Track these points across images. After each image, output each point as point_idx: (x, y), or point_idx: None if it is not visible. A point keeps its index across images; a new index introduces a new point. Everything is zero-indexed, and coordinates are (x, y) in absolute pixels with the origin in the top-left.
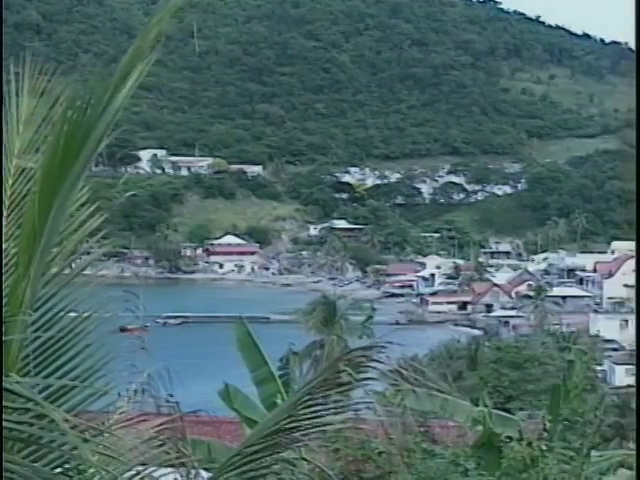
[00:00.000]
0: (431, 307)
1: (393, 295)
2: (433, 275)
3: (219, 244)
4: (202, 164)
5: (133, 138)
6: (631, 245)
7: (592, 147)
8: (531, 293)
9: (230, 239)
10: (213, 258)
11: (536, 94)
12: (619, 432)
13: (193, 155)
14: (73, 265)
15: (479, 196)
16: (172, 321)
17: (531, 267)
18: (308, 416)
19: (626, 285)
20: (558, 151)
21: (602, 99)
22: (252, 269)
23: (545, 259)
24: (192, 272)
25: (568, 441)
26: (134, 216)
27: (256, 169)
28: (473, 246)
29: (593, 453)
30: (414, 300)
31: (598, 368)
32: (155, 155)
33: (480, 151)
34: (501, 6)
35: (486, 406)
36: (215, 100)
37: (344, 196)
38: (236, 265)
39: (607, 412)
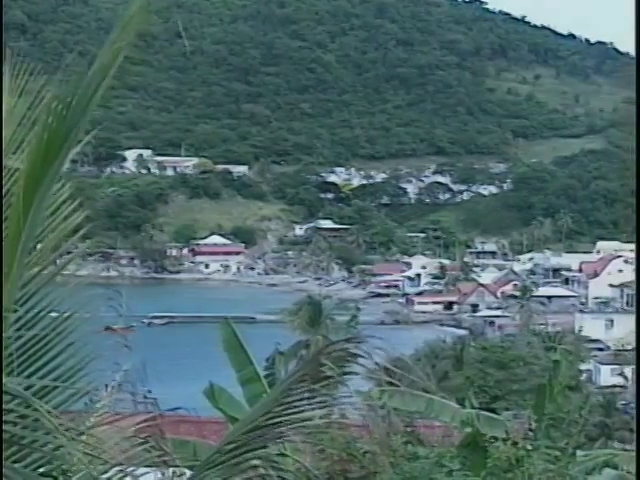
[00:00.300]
0: (417, 307)
1: (379, 295)
2: (419, 275)
3: (205, 244)
4: (188, 164)
5: (119, 138)
6: (616, 245)
7: (577, 147)
8: (517, 293)
9: (216, 239)
10: (199, 258)
11: (521, 94)
12: (604, 432)
13: (179, 155)
14: (55, 264)
15: (465, 196)
16: (157, 321)
17: (517, 267)
18: (288, 411)
19: (611, 285)
20: (544, 151)
21: (587, 99)
22: (238, 269)
23: (531, 259)
24: (178, 272)
25: (553, 441)
26: (119, 216)
27: (242, 169)
28: (459, 246)
29: (578, 453)
30: (400, 300)
31: (583, 367)
32: (141, 155)
33: (466, 151)
34: (487, 6)
35: (473, 407)
36: (201, 100)
37: (330, 196)
38: (222, 265)
39: (592, 412)
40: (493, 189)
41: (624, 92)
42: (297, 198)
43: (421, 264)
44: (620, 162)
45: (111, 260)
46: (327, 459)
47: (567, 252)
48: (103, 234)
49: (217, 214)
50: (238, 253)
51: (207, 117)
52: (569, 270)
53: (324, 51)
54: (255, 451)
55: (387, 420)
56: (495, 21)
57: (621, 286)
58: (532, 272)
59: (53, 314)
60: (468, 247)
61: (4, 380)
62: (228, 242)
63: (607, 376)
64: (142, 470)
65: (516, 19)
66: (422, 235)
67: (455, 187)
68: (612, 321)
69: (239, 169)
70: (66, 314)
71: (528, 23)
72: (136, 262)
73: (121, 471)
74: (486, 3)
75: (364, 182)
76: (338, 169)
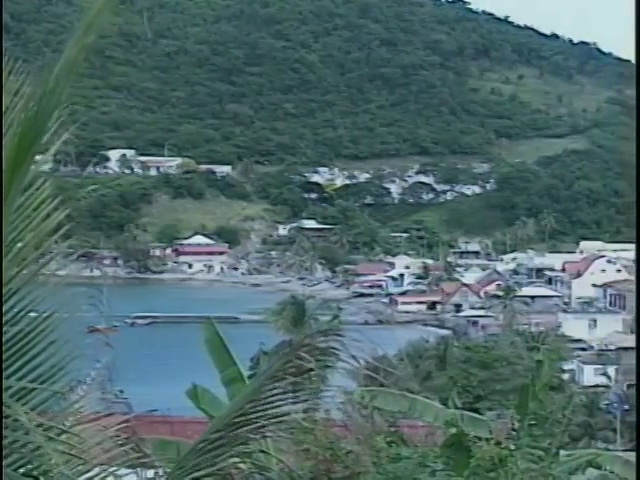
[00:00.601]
0: (400, 307)
1: (362, 295)
2: (402, 275)
3: (188, 244)
4: (171, 164)
5: (102, 138)
6: (599, 245)
7: (561, 147)
8: (500, 293)
9: (199, 239)
10: (182, 258)
11: (505, 94)
12: (587, 431)
13: (162, 155)
14: (36, 263)
15: (448, 196)
16: (140, 321)
17: (500, 267)
18: (265, 407)
19: (594, 285)
20: (527, 151)
21: (571, 99)
22: (221, 269)
23: (514, 259)
24: (161, 272)
25: (536, 440)
26: (103, 216)
27: (225, 169)
28: (442, 246)
29: (561, 452)
30: (383, 300)
31: (566, 367)
32: (124, 155)
33: (449, 151)
34: (470, 6)
35: (456, 407)
36: (184, 100)
37: (313, 196)
38: (205, 265)
39: (575, 412)
40: (476, 189)
41: (607, 92)
42: (280, 198)
43: (404, 264)
44: (603, 162)
45: (94, 260)
46: (310, 459)
47: (550, 252)
48: (86, 234)
49: (200, 214)
50: (221, 253)
51: (190, 117)
52: (552, 270)
53: (308, 51)
54: (232, 448)
55: (370, 420)
56: (478, 21)
57: (604, 286)
58: (515, 272)
59: (32, 314)
60: (451, 247)
61: None
62: (211, 242)
63: (590, 376)
64: (123, 471)
65: (499, 19)
66: (405, 235)
67: (438, 187)
68: (595, 321)
69: (222, 169)
70: (46, 314)
71: (511, 23)
72: (119, 262)
73: (101, 471)
74: (469, 3)
75: (347, 182)
76: (321, 169)
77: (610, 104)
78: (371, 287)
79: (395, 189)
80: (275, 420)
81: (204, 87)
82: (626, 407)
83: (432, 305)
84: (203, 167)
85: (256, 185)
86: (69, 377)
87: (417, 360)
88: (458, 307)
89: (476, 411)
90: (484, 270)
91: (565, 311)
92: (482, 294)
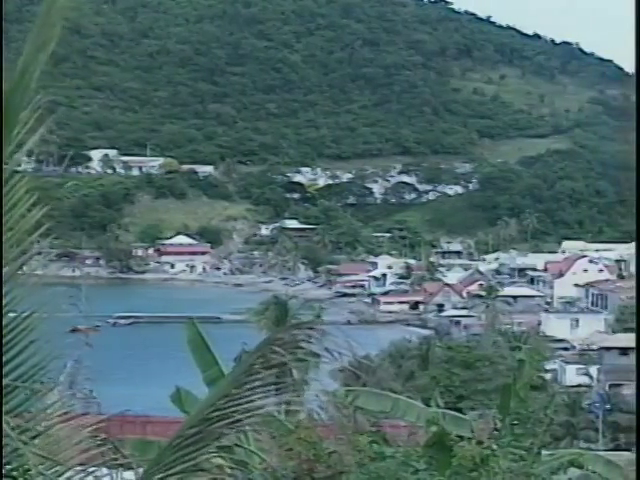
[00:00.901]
0: (383, 307)
1: (345, 295)
2: (385, 275)
3: (170, 244)
4: (153, 164)
5: (84, 138)
6: (581, 245)
7: (543, 147)
8: (482, 293)
9: (181, 239)
10: (164, 258)
11: (487, 94)
12: (569, 431)
13: (144, 155)
14: (15, 261)
15: (430, 196)
16: (122, 321)
17: (482, 267)
18: (239, 401)
19: (577, 285)
20: (509, 151)
21: (553, 99)
22: (203, 269)
23: (496, 259)
24: (143, 272)
25: (518, 440)
26: (85, 216)
27: (207, 169)
28: (424, 246)
29: (543, 452)
30: (366, 300)
31: (549, 367)
32: (106, 155)
33: (431, 151)
34: (452, 6)
35: (438, 406)
36: (166, 100)
37: (295, 196)
38: (187, 265)
39: (557, 411)
40: (459, 189)
41: (589, 92)
42: (263, 198)
43: (387, 264)
44: (585, 162)
45: (76, 260)
46: (293, 459)
47: (532, 252)
48: (69, 234)
49: (183, 214)
50: (204, 253)
51: (173, 117)
52: (534, 270)
53: (290, 51)
54: (207, 443)
55: (353, 420)
56: (461, 21)
57: (586, 286)
58: (498, 272)
59: (11, 314)
60: (434, 247)
61: None
62: (194, 242)
63: (572, 376)
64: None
65: (482, 19)
66: (388, 235)
67: (421, 187)
68: (577, 321)
69: (205, 169)
70: (25, 313)
71: (493, 23)
72: (101, 262)
73: (79, 472)
74: (452, 3)
75: (330, 182)
76: (304, 169)
77: (592, 104)
78: (353, 287)
79: (377, 189)
80: (249, 414)
81: (186, 87)
82: (608, 407)
83: (414, 305)
84: (185, 167)
85: (238, 185)
86: (49, 377)
87: (400, 360)
88: (440, 307)
89: (459, 411)
90: (466, 270)
91: (547, 311)
92: (464, 294)
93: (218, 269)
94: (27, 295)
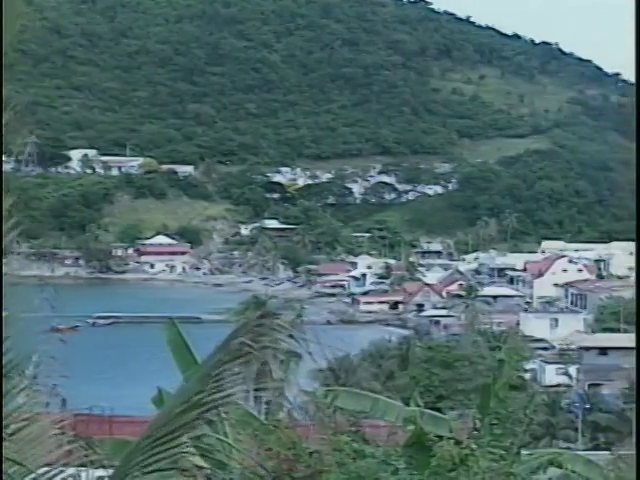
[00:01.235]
0: (362, 307)
1: (324, 295)
2: (364, 275)
3: (150, 244)
4: (133, 164)
5: (63, 138)
6: (561, 245)
7: (522, 147)
8: (462, 293)
9: (161, 239)
10: (144, 258)
11: (466, 94)
12: (549, 431)
13: (124, 155)
14: None
15: (410, 196)
16: (102, 321)
17: (462, 267)
18: (209, 392)
19: (556, 285)
20: (488, 151)
21: (532, 99)
22: (183, 269)
23: (476, 259)
24: (123, 272)
25: (498, 440)
26: (64, 216)
27: (187, 169)
28: (404, 246)
29: (523, 452)
30: (345, 300)
31: (528, 367)
32: (86, 155)
33: (411, 151)
34: (432, 6)
35: (417, 406)
36: (146, 100)
37: (275, 196)
38: (167, 265)
39: (537, 411)
40: (438, 189)
41: (569, 92)
42: (243, 198)
43: (367, 264)
44: (565, 162)
45: (56, 260)
46: (273, 458)
47: (512, 252)
48: (48, 234)
49: (162, 214)
50: (184, 253)
51: (152, 117)
52: (514, 270)
53: (269, 51)
54: (178, 436)
55: (333, 419)
56: (440, 21)
57: (566, 286)
58: (477, 272)
59: None
60: (413, 247)
61: None
62: (173, 242)
63: (552, 375)
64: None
65: (461, 19)
66: (368, 235)
67: (400, 187)
68: (557, 320)
69: (184, 169)
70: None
71: (473, 23)
72: (81, 262)
73: (49, 471)
74: (431, 3)
75: (310, 182)
76: (284, 169)
77: (571, 104)
78: (333, 287)
79: (357, 189)
80: (218, 403)
81: (166, 87)
82: (587, 406)
83: (394, 305)
84: (165, 167)
85: (218, 185)
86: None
87: (379, 360)
88: (420, 307)
89: (438, 411)
90: (446, 270)
91: (527, 311)
92: (444, 294)
93: (198, 269)
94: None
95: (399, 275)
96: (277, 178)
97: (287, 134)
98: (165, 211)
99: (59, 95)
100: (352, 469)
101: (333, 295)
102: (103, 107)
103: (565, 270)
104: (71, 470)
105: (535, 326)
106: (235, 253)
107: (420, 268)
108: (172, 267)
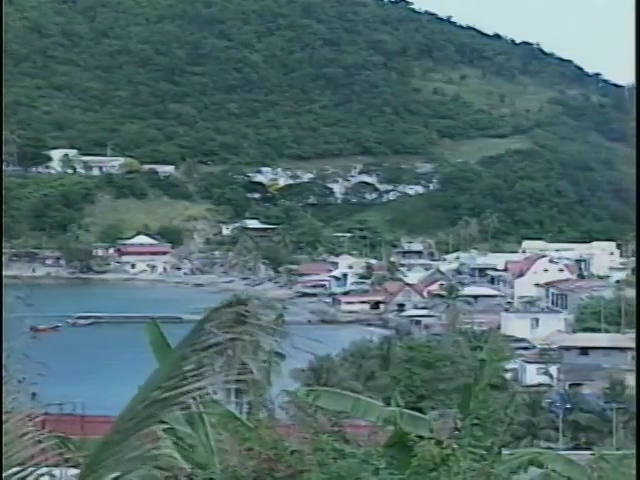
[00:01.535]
0: (343, 307)
1: (305, 295)
2: (345, 275)
3: (131, 244)
4: (114, 164)
5: (44, 138)
6: (541, 244)
7: (503, 147)
8: (443, 292)
9: (142, 239)
10: (125, 258)
11: (448, 94)
12: (530, 430)
13: (105, 155)
14: None
15: (391, 196)
16: (82, 321)
17: (443, 267)
18: (176, 384)
19: (537, 284)
20: (469, 151)
21: (513, 99)
22: (164, 269)
23: (457, 258)
24: (104, 272)
25: (479, 440)
26: (45, 216)
27: (168, 169)
28: (385, 246)
29: (504, 451)
30: (326, 300)
31: (509, 366)
32: (66, 155)
33: (392, 151)
34: (413, 6)
35: (398, 405)
36: (127, 100)
37: (256, 196)
38: (148, 265)
39: (518, 410)
40: (419, 189)
41: (549, 92)
42: (224, 198)
43: (348, 264)
44: (545, 162)
45: (36, 260)
46: (254, 458)
47: (493, 252)
48: (29, 234)
49: (143, 214)
50: (164, 253)
51: (133, 117)
52: (495, 270)
53: (251, 51)
54: (141, 430)
55: (314, 419)
56: (421, 21)
57: (546, 285)
58: (458, 272)
59: None
60: (395, 247)
61: None
62: (154, 242)
63: (533, 375)
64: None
65: (442, 19)
66: (349, 235)
67: (381, 187)
68: (537, 320)
69: (165, 169)
70: None
71: (454, 23)
72: (62, 262)
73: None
74: (412, 3)
75: (291, 182)
76: (265, 169)
77: (552, 104)
78: (314, 287)
79: (338, 189)
80: (184, 396)
81: (147, 87)
82: (568, 406)
83: (375, 305)
84: (146, 167)
85: (199, 185)
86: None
87: (360, 360)
88: (401, 307)
89: (419, 410)
90: (427, 270)
91: (508, 310)
92: (425, 294)
93: (179, 269)
94: None
95: (380, 275)
96: (258, 178)
97: (268, 134)
98: (146, 211)
99: (40, 95)
100: (333, 469)
101: (314, 295)
102: (84, 107)
103: (546, 270)
104: (44, 470)
105: (516, 326)
106: (216, 253)
107: (401, 268)
108: (153, 267)
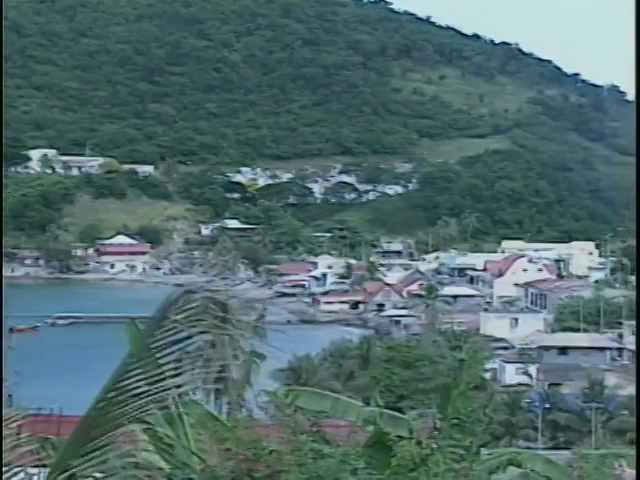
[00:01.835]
0: (323, 307)
1: (285, 295)
2: (325, 275)
3: (110, 244)
4: (93, 164)
5: (23, 137)
6: (520, 244)
7: (482, 147)
8: (422, 292)
9: (121, 239)
10: (104, 258)
11: (427, 94)
12: (509, 430)
13: (84, 155)
14: None
15: (370, 196)
16: (61, 321)
17: (422, 266)
18: (136, 385)
19: (516, 284)
20: (449, 151)
21: (492, 99)
22: (143, 269)
23: (436, 258)
24: (83, 272)
25: (458, 440)
26: (24, 216)
27: (147, 169)
28: (365, 246)
29: (483, 451)
30: (306, 300)
31: (488, 366)
32: (45, 155)
33: (371, 151)
34: (392, 6)
35: (378, 405)
36: (106, 99)
37: (236, 196)
38: (127, 265)
39: (497, 410)
40: (399, 189)
41: (528, 92)
42: (203, 198)
43: (327, 264)
44: (524, 162)
45: (15, 260)
46: (232, 458)
47: (472, 251)
48: (7, 234)
49: (123, 214)
50: (144, 253)
51: (112, 117)
52: (474, 269)
53: (230, 51)
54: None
55: (293, 419)
56: (400, 21)
57: (525, 285)
58: (438, 271)
59: None
60: (374, 247)
61: None
62: (134, 242)
63: (512, 374)
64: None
65: (421, 19)
66: (328, 235)
67: (361, 187)
68: (517, 320)
69: (145, 169)
70: None
71: (433, 23)
72: (41, 262)
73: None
74: (391, 3)
75: (270, 182)
76: (244, 169)
77: (531, 104)
78: (294, 287)
79: (318, 189)
80: (145, 398)
81: (126, 86)
82: (547, 406)
83: (355, 305)
84: (125, 167)
85: (179, 185)
86: None
87: (340, 360)
88: (381, 307)
89: (399, 410)
90: (407, 270)
91: (487, 310)
92: (405, 294)
93: (158, 269)
94: None
95: (360, 275)
96: (237, 178)
97: (247, 134)
98: (125, 211)
99: (19, 95)
100: (312, 469)
101: (294, 295)
102: (63, 107)
103: (525, 270)
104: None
105: (495, 326)
106: (195, 253)
107: (381, 268)
108: (132, 267)
